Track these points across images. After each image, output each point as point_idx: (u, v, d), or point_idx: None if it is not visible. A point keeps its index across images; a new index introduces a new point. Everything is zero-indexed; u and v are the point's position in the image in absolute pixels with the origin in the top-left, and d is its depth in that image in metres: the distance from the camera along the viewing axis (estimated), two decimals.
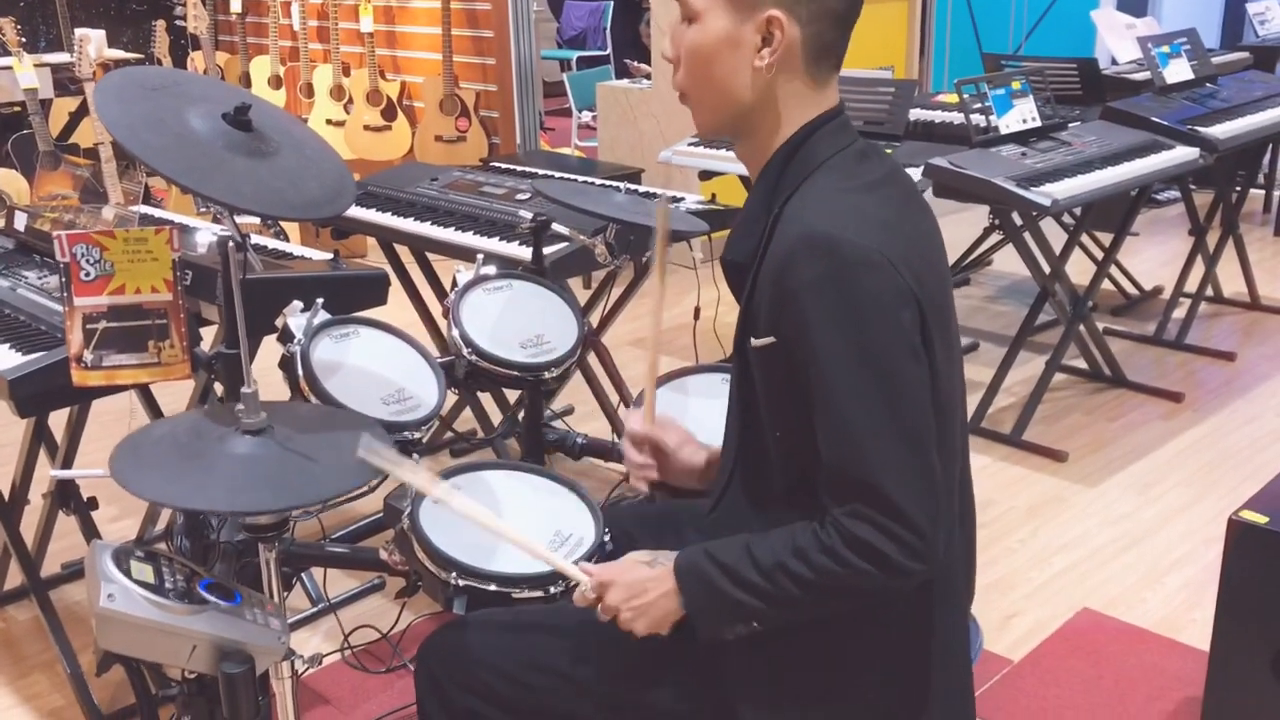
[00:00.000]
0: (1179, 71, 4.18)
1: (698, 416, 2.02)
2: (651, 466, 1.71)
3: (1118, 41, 5.82)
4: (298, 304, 1.88)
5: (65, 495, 2.46)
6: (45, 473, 2.57)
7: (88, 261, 1.58)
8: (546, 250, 2.44)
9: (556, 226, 2.25)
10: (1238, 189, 4.53)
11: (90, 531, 2.52)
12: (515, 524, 1.72)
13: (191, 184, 1.41)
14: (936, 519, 1.22)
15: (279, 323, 1.89)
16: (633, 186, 2.13)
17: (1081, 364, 3.98)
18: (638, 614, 1.38)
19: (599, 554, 1.66)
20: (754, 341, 1.33)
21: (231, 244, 1.47)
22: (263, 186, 1.50)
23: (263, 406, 1.46)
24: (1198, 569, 2.78)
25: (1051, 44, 7.87)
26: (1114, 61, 5.76)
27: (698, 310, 2.96)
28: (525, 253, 2.58)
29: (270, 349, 1.98)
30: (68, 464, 2.45)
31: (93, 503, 2.50)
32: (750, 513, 1.44)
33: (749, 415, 1.42)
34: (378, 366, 1.86)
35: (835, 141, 1.35)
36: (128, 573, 1.31)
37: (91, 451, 3.30)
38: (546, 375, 2.00)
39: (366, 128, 6.07)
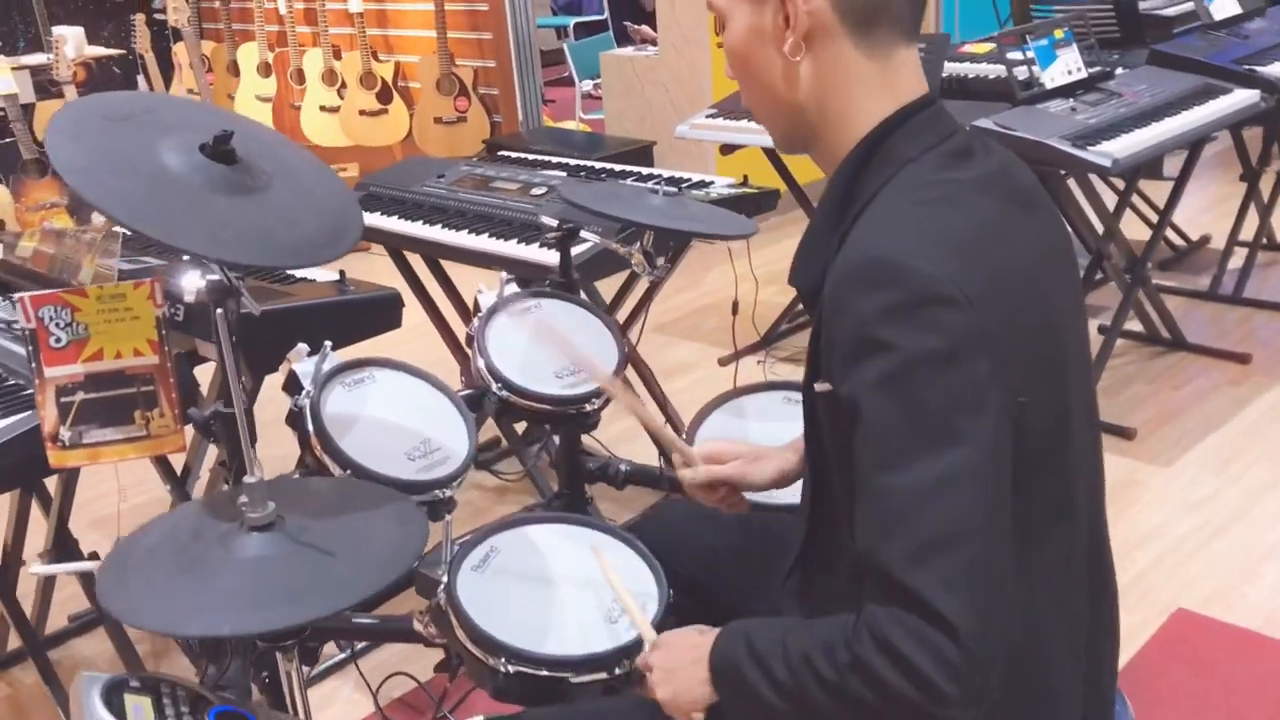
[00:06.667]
0: (1225, 6, 3.91)
1: (761, 443, 1.80)
2: (736, 499, 1.52)
3: None
4: (303, 347, 1.66)
5: (64, 552, 2.26)
6: (42, 525, 2.38)
7: (57, 325, 1.36)
8: (572, 250, 2.21)
9: (585, 234, 2.02)
10: None
11: (93, 586, 2.32)
12: (568, 591, 1.52)
13: (163, 235, 1.19)
14: (988, 630, 0.96)
15: (283, 369, 1.68)
16: (671, 189, 1.89)
17: (1136, 325, 3.74)
18: (664, 678, 1.22)
19: (664, 614, 1.47)
20: (816, 386, 1.12)
21: (219, 315, 1.24)
22: (250, 229, 1.28)
23: (271, 490, 1.24)
24: None
25: None
26: None
27: (736, 305, 2.75)
28: (547, 256, 2.35)
29: (274, 390, 1.77)
30: (63, 520, 2.24)
31: (94, 557, 2.31)
32: (827, 584, 1.23)
33: (820, 467, 1.20)
34: (398, 415, 1.64)
35: (923, 138, 1.10)
36: (121, 712, 1.10)
37: (90, 507, 3.07)
38: (588, 407, 1.78)
39: (362, 112, 5.82)
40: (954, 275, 0.98)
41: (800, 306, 3.92)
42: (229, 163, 1.32)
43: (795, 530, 1.29)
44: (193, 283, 1.51)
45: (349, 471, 1.51)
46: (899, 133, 1.10)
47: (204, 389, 2.23)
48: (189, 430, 1.66)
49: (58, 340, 1.36)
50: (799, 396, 1.83)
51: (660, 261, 1.89)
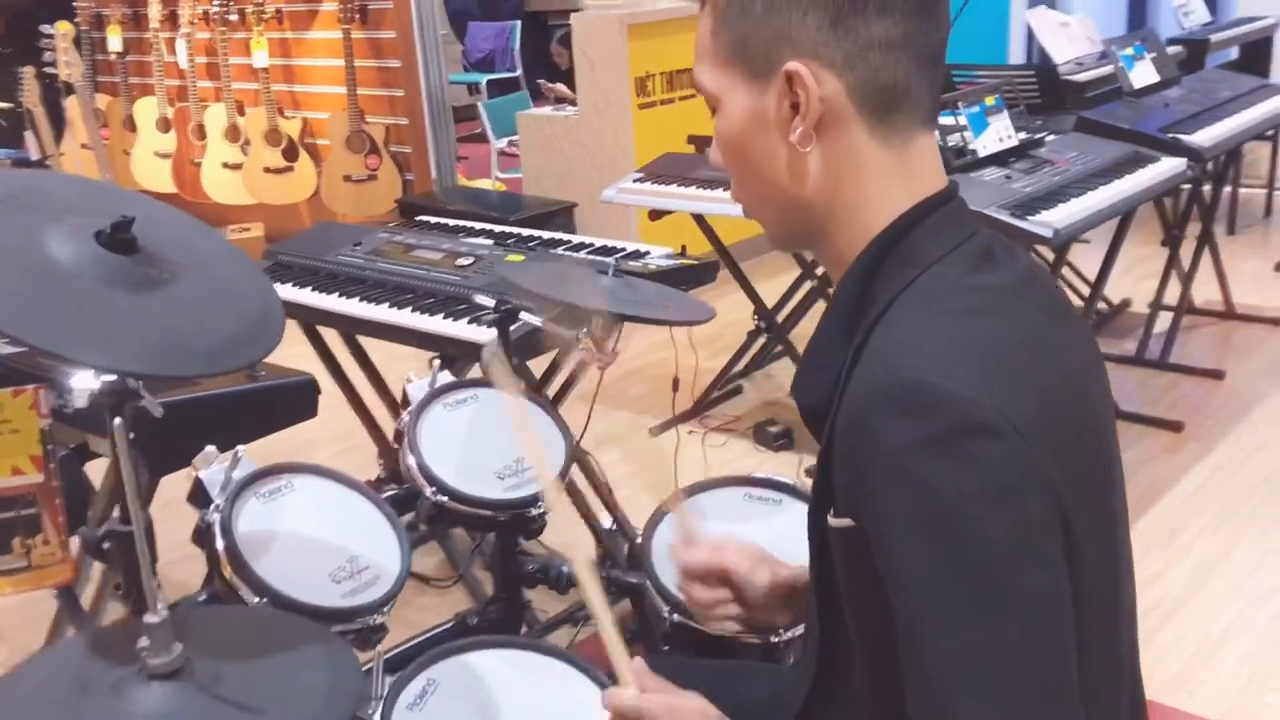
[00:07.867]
0: (1145, 75, 3.94)
1: None
2: (730, 603, 1.28)
3: (1053, 41, 5.63)
4: (212, 450, 1.48)
5: None
6: None
7: None
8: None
9: (526, 316, 1.86)
10: (1207, 186, 4.29)
11: None
12: None
13: (45, 342, 1.01)
14: None
15: (189, 474, 1.49)
16: (605, 261, 1.75)
17: None
18: None
19: None
20: (831, 520, 0.96)
21: (116, 425, 1.06)
22: (153, 331, 1.10)
23: (177, 627, 1.05)
24: (1252, 637, 2.49)
25: (967, 47, 7.66)
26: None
27: (676, 381, 2.62)
28: (477, 333, 2.19)
29: (173, 489, 1.57)
30: None
31: None
32: None
33: (829, 606, 1.04)
34: (321, 529, 1.46)
35: (945, 237, 0.96)
36: None
37: None
38: (533, 512, 1.62)
39: (267, 170, 5.60)
40: (998, 400, 0.85)
41: (734, 370, 3.80)
42: (129, 253, 1.14)
43: (796, 679, 1.14)
44: (84, 383, 1.32)
45: (265, 599, 1.33)
46: (918, 230, 0.96)
47: (97, 483, 2.01)
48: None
49: None
50: (762, 494, 1.70)
51: (610, 346, 1.74)
